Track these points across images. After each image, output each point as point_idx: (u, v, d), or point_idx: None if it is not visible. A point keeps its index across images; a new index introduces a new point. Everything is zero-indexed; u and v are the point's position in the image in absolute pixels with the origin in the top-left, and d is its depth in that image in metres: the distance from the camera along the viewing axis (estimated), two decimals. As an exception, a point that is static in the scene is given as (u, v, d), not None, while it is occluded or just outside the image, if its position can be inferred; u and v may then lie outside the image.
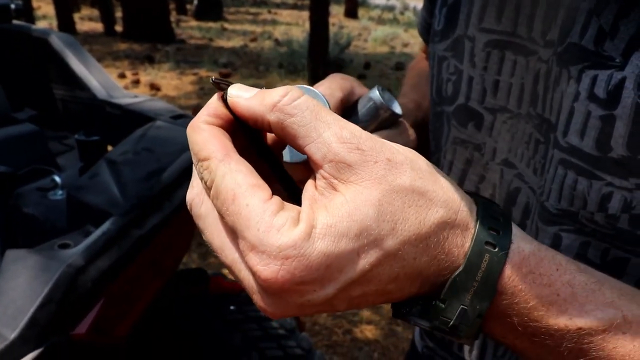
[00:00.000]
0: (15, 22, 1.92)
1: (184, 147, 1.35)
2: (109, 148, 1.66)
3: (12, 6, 1.86)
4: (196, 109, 6.47)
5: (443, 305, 0.39)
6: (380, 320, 2.98)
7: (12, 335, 0.92)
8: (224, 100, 0.40)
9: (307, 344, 1.86)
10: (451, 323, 0.39)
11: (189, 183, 0.38)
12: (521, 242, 0.40)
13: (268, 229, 0.35)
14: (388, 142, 0.39)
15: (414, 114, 0.75)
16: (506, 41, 0.60)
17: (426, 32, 0.88)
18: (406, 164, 0.38)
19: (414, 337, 0.93)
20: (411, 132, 0.66)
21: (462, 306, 0.39)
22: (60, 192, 1.42)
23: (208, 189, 0.38)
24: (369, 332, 2.89)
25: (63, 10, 12.30)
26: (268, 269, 0.35)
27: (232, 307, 1.98)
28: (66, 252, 1.05)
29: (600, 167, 0.49)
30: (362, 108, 0.58)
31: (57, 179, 1.43)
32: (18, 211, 1.41)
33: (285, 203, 0.37)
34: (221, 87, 0.40)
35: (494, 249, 0.39)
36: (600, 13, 0.48)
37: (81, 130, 1.64)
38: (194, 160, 0.39)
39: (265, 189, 0.37)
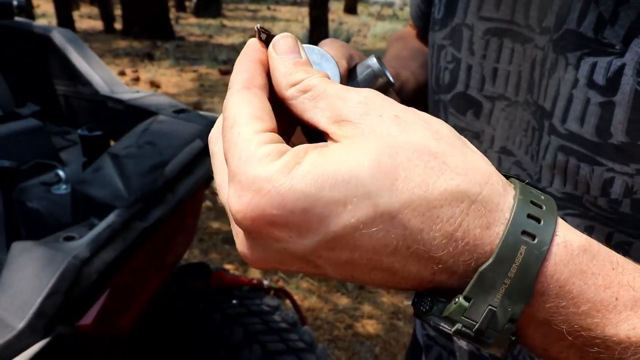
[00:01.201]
0: (17, 18, 1.94)
1: (187, 140, 1.37)
2: (112, 143, 1.67)
3: (15, 3, 1.87)
4: (196, 106, 6.48)
5: (467, 304, 0.33)
6: (382, 314, 3.00)
7: (20, 325, 0.94)
8: (263, 42, 0.40)
9: (309, 337, 1.87)
10: (476, 327, 0.33)
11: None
12: (569, 235, 0.34)
13: (248, 158, 0.32)
14: (399, 104, 0.36)
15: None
16: (504, 29, 0.61)
17: (418, 18, 0.89)
18: (419, 123, 0.34)
19: (415, 329, 0.94)
20: (399, 100, 0.66)
21: (490, 307, 0.32)
22: (64, 186, 1.43)
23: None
24: (370, 326, 2.90)
25: (62, 8, 12.29)
26: (239, 200, 0.32)
27: (234, 301, 1.99)
28: (71, 244, 1.06)
29: (601, 153, 0.50)
30: (360, 74, 0.59)
31: (61, 173, 1.44)
32: (22, 205, 1.42)
33: (283, 143, 0.34)
34: (261, 36, 0.40)
35: (533, 240, 0.32)
36: (599, 0, 0.49)
37: (84, 125, 1.64)
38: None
39: (266, 122, 0.35)
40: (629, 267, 0.35)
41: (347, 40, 9.98)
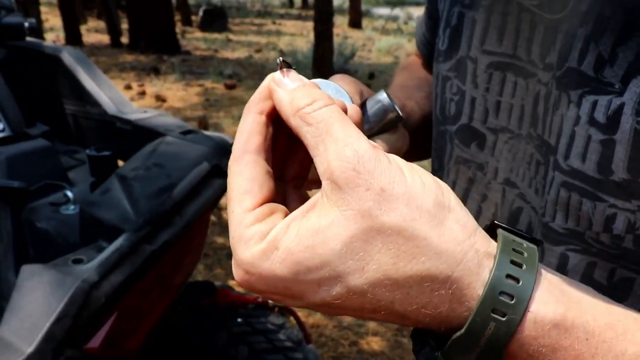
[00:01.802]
0: (28, 39, 1.96)
1: (194, 163, 1.38)
2: (120, 163, 1.69)
3: (26, 24, 1.89)
4: (202, 120, 6.50)
5: None
6: (387, 331, 2.99)
7: (29, 349, 0.95)
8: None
9: (314, 356, 1.87)
10: None
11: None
12: (543, 309, 0.35)
13: (239, 240, 0.37)
14: (396, 167, 0.37)
15: None
16: (507, 63, 0.62)
17: (424, 46, 0.90)
18: (402, 199, 0.35)
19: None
20: (406, 134, 0.67)
21: None
22: (72, 206, 1.45)
23: None
24: (375, 343, 2.90)
25: (70, 22, 12.40)
26: (236, 272, 0.38)
27: (239, 320, 2.00)
28: (80, 268, 1.07)
29: (603, 189, 0.50)
30: (370, 108, 0.61)
31: (69, 194, 1.46)
32: (31, 225, 1.44)
33: (273, 212, 0.38)
34: (282, 68, 0.42)
35: (503, 317, 0.34)
36: (598, 40, 0.50)
37: (92, 144, 1.66)
38: None
39: (257, 196, 0.38)
40: (608, 334, 0.36)
41: (352, 55, 10.02)
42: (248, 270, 0.37)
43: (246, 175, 0.39)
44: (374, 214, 0.34)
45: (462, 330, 0.35)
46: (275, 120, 0.42)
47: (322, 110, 0.38)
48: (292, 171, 0.45)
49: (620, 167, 0.48)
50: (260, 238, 0.37)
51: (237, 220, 0.38)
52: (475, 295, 0.35)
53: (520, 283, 0.35)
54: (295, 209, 0.39)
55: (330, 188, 0.36)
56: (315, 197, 0.38)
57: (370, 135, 0.61)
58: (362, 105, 0.61)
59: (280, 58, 0.42)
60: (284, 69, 0.41)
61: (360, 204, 0.35)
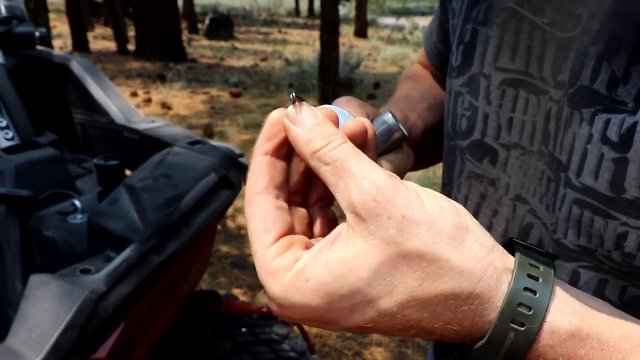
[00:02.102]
0: (38, 47, 1.98)
1: (202, 174, 1.38)
2: (127, 172, 1.69)
3: (37, 34, 1.91)
4: (207, 127, 6.52)
5: None
6: (390, 342, 2.99)
7: (37, 359, 0.95)
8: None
9: (318, 367, 1.87)
10: None
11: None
12: (559, 319, 0.38)
13: (266, 275, 0.40)
14: (414, 194, 0.39)
15: None
16: (519, 80, 0.62)
17: (434, 56, 0.91)
18: (422, 225, 0.37)
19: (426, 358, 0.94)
20: (410, 152, 0.68)
21: None
22: (80, 215, 1.45)
23: None
24: (378, 354, 2.89)
25: (77, 29, 12.48)
26: (271, 305, 0.40)
27: (243, 329, 2.00)
28: (88, 278, 1.08)
29: (615, 207, 0.51)
30: (376, 129, 0.61)
31: (77, 203, 1.46)
32: (38, 234, 1.44)
33: (290, 245, 0.41)
34: (296, 103, 0.43)
35: (522, 327, 0.37)
36: (611, 59, 0.50)
37: (99, 153, 1.67)
38: None
39: (273, 232, 0.41)
40: (623, 346, 0.38)
41: (358, 64, 10.04)
42: (281, 303, 0.39)
43: (259, 216, 0.42)
44: (397, 241, 0.37)
45: (484, 340, 0.37)
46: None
47: (337, 150, 0.40)
48: (317, 193, 0.47)
49: (633, 186, 0.49)
50: (286, 270, 0.39)
51: (260, 258, 0.40)
52: (495, 308, 0.37)
53: (537, 295, 0.38)
54: (321, 229, 0.44)
55: (355, 220, 0.38)
56: (340, 227, 0.40)
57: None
58: None
59: (293, 93, 0.43)
60: (297, 103, 0.43)
61: (384, 233, 0.37)
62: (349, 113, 0.53)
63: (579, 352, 0.37)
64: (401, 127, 0.62)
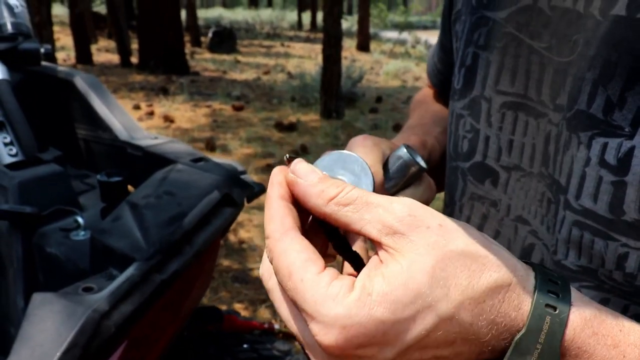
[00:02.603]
0: (43, 63, 1.99)
1: (205, 191, 1.39)
2: (130, 188, 1.70)
3: (42, 50, 1.92)
4: (209, 141, 6.53)
5: None
6: None
7: (39, 379, 0.95)
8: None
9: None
10: None
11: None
12: (581, 304, 0.41)
13: (323, 300, 0.38)
14: (435, 211, 0.42)
15: (420, 153, 0.78)
16: (519, 103, 0.63)
17: (435, 76, 0.92)
18: (459, 230, 0.41)
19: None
20: (432, 183, 0.69)
21: None
22: (82, 232, 1.46)
23: (271, 265, 0.43)
24: (380, 371, 2.87)
25: (81, 41, 12.56)
26: (327, 337, 0.38)
27: (245, 346, 2.00)
28: (91, 297, 1.08)
29: (615, 229, 0.51)
30: (392, 166, 0.62)
31: (80, 219, 1.47)
32: (41, 250, 1.44)
33: (339, 273, 0.40)
34: (291, 163, 0.45)
35: (555, 311, 0.39)
36: (606, 84, 0.51)
37: (103, 169, 1.67)
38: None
39: (318, 262, 0.40)
40: (636, 328, 0.41)
41: (360, 78, 10.08)
42: (345, 324, 0.37)
43: (298, 248, 0.41)
44: (441, 245, 0.39)
45: (524, 330, 0.39)
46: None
47: (354, 191, 0.42)
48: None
49: (631, 208, 0.49)
50: (349, 290, 0.38)
51: (311, 285, 0.39)
52: (529, 298, 0.40)
53: (560, 283, 0.41)
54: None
55: (393, 240, 0.40)
56: (374, 258, 0.41)
57: (395, 192, 0.62)
58: (385, 164, 0.62)
59: (287, 155, 0.45)
60: (294, 161, 0.44)
61: (427, 240, 0.39)
62: (365, 162, 0.53)
63: (602, 330, 0.40)
64: (418, 160, 0.62)
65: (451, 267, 0.39)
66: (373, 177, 0.51)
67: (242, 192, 1.49)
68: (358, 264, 0.47)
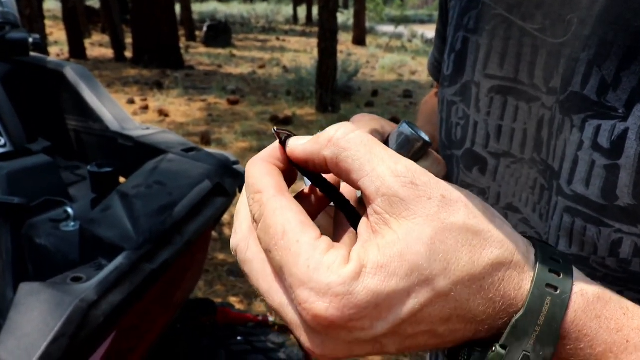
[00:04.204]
0: (32, 54, 1.97)
1: (196, 181, 1.37)
2: (121, 179, 1.68)
3: (30, 40, 1.90)
4: (205, 135, 6.51)
5: (504, 352, 0.37)
6: (387, 351, 2.97)
7: (25, 370, 0.93)
8: (283, 145, 0.42)
9: (314, 376, 1.85)
10: None
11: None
12: (584, 285, 0.39)
13: (318, 266, 0.35)
14: (442, 180, 0.39)
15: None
16: (508, 87, 0.61)
17: (436, 70, 0.90)
18: (461, 202, 0.38)
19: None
20: (440, 158, 0.67)
21: (524, 352, 0.37)
22: (72, 223, 1.44)
23: (256, 222, 0.39)
24: (375, 363, 2.87)
25: (74, 36, 12.50)
26: (317, 306, 0.35)
27: (239, 338, 1.99)
28: (79, 287, 1.06)
29: (608, 215, 0.50)
30: (393, 143, 0.59)
31: (70, 210, 1.45)
32: (30, 242, 1.43)
33: (335, 243, 0.38)
34: (280, 136, 0.42)
35: (556, 291, 0.37)
36: (601, 64, 0.50)
37: (93, 160, 1.66)
38: (246, 193, 0.41)
39: (315, 228, 0.37)
40: (639, 312, 0.39)
41: (356, 72, 10.06)
42: (337, 293, 0.35)
43: (295, 209, 0.38)
44: (442, 217, 0.36)
45: (522, 311, 0.37)
46: None
47: (356, 134, 0.39)
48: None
49: (625, 193, 0.48)
50: (344, 260, 0.36)
51: (307, 248, 0.36)
52: (530, 277, 0.38)
53: (562, 262, 0.39)
54: (338, 236, 0.41)
55: (390, 203, 0.37)
56: (365, 221, 0.38)
57: None
58: (385, 142, 0.60)
59: (275, 128, 0.42)
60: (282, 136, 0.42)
61: (427, 211, 0.36)
62: None
63: (606, 313, 0.38)
64: (422, 134, 0.59)
65: (451, 240, 0.36)
66: None
67: (234, 181, 1.48)
68: (355, 221, 0.43)
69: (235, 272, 3.67)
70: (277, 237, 0.37)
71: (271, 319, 2.52)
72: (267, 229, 0.38)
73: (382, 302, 0.35)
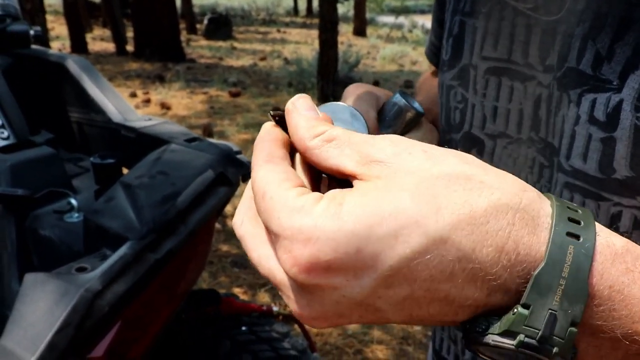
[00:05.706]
0: (33, 46, 1.96)
1: (199, 171, 1.37)
2: (124, 171, 1.68)
3: (32, 32, 1.89)
4: (207, 127, 6.51)
5: (527, 312, 0.32)
6: (391, 340, 2.98)
7: (32, 359, 0.94)
8: (277, 123, 0.42)
9: (319, 365, 1.86)
10: (540, 333, 0.31)
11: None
12: (609, 236, 0.34)
13: (289, 212, 0.33)
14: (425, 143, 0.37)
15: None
16: (502, 68, 0.61)
17: (432, 54, 0.90)
18: (448, 154, 0.35)
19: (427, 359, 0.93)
20: (432, 127, 0.66)
21: (550, 310, 0.31)
22: (76, 214, 1.44)
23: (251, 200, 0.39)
24: (379, 352, 2.88)
25: (76, 30, 12.48)
26: (290, 255, 0.32)
27: (243, 328, 1.99)
28: (84, 276, 1.06)
29: (606, 188, 0.50)
30: (387, 113, 0.60)
31: (74, 201, 1.45)
32: (34, 233, 1.43)
33: (312, 192, 0.35)
34: (276, 119, 0.42)
35: (578, 240, 0.32)
36: (595, 37, 0.50)
37: (96, 152, 1.66)
38: None
39: (294, 180, 0.36)
40: None
41: (357, 63, 10.04)
42: (310, 236, 0.31)
43: (279, 170, 0.37)
44: (426, 167, 0.33)
45: (544, 262, 0.32)
46: None
47: (339, 129, 0.37)
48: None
49: (622, 165, 0.48)
50: (316, 200, 0.33)
51: (279, 199, 0.34)
52: (547, 224, 0.33)
53: (580, 212, 0.34)
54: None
55: (369, 168, 0.34)
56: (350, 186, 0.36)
57: None
58: (380, 112, 0.61)
59: (271, 112, 0.42)
60: (297, 95, 0.42)
61: (409, 164, 0.34)
62: (358, 111, 0.51)
63: (639, 267, 0.33)
64: (415, 105, 0.60)
65: (440, 185, 0.32)
66: (366, 122, 0.49)
67: (237, 171, 1.48)
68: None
69: (239, 263, 3.68)
70: (259, 201, 0.35)
71: (275, 308, 2.53)
72: (255, 196, 0.36)
73: (363, 245, 0.31)
